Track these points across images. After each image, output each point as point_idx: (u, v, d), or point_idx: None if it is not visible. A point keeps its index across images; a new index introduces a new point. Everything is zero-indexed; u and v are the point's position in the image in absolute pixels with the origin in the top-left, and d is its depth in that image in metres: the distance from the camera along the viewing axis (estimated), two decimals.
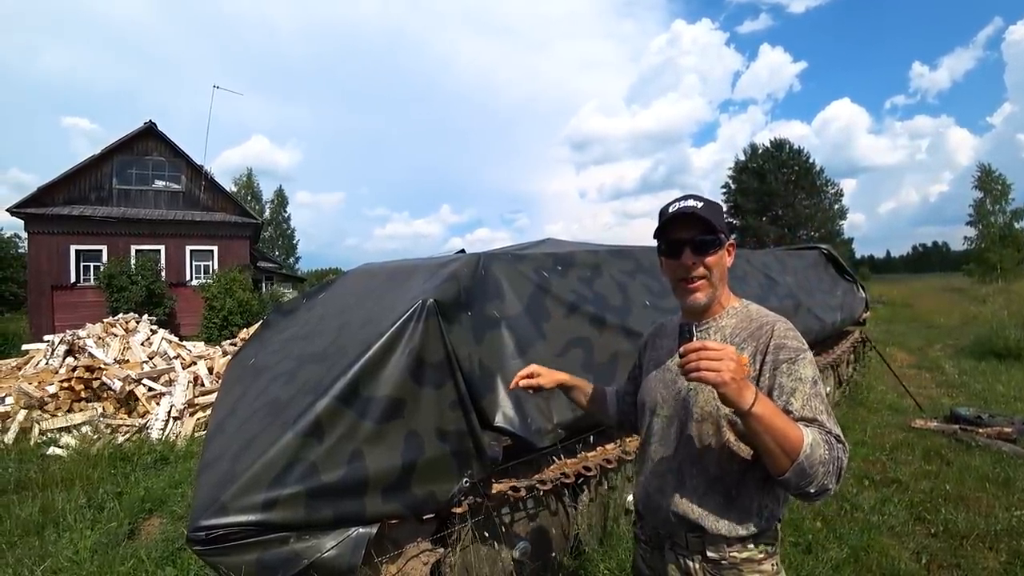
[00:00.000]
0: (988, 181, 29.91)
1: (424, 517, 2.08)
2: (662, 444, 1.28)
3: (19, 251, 27.92)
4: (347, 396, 1.93)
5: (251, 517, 1.69)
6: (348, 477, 1.84)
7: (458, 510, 2.15)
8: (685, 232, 1.19)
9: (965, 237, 31.50)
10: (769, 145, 43.58)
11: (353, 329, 2.51)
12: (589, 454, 2.79)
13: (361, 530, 1.85)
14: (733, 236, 1.27)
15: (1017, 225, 29.09)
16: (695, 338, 1.02)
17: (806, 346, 1.16)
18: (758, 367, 1.14)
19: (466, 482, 2.10)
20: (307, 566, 1.74)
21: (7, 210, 16.31)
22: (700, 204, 1.18)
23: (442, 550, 2.19)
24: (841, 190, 44.44)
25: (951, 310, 15.23)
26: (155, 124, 18.16)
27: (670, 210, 1.21)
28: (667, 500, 1.25)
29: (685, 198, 1.22)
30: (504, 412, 2.27)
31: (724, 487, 1.19)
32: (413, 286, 2.57)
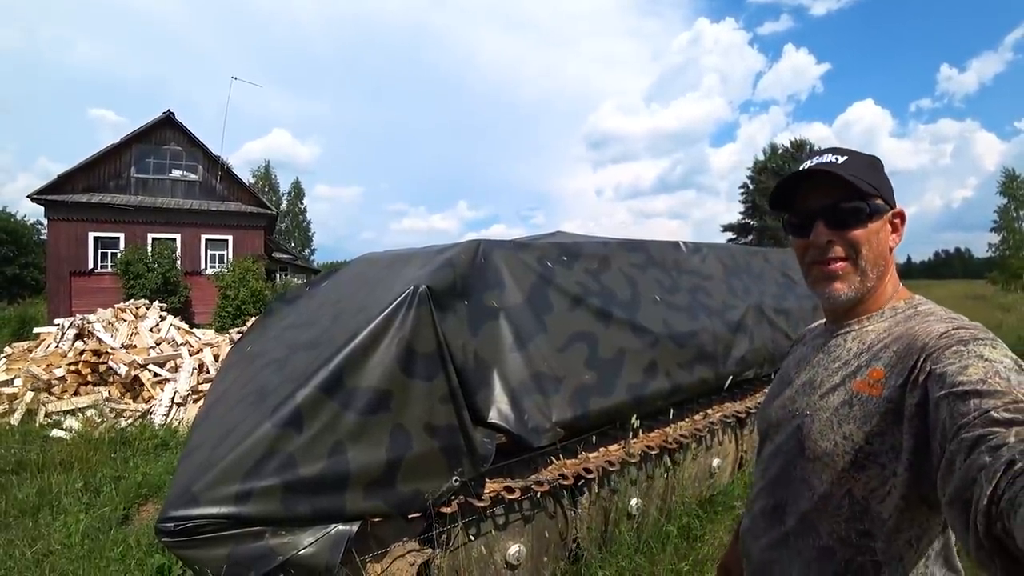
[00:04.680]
0: (1013, 186, 29.05)
1: (410, 516, 1.97)
2: (763, 477, 0.97)
3: (41, 237, 28.50)
4: (330, 386, 1.82)
5: (223, 509, 1.60)
6: (328, 471, 1.74)
7: (447, 509, 2.04)
8: (816, 198, 0.86)
9: (989, 243, 30.72)
10: (789, 145, 42.95)
11: (346, 317, 2.41)
12: (590, 455, 2.66)
13: (341, 527, 1.75)
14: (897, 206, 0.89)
15: None
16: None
17: (994, 336, 0.73)
18: (904, 375, 0.74)
19: (456, 480, 1.99)
20: (282, 563, 1.64)
21: (29, 196, 16.62)
22: (842, 158, 0.84)
23: (430, 551, 2.09)
24: None
25: (974, 318, 14.68)
26: (173, 114, 18.32)
27: (801, 168, 0.87)
28: (759, 552, 0.95)
29: (823, 152, 0.88)
30: (499, 408, 2.16)
31: (836, 567, 0.81)
32: (408, 273, 2.46)
